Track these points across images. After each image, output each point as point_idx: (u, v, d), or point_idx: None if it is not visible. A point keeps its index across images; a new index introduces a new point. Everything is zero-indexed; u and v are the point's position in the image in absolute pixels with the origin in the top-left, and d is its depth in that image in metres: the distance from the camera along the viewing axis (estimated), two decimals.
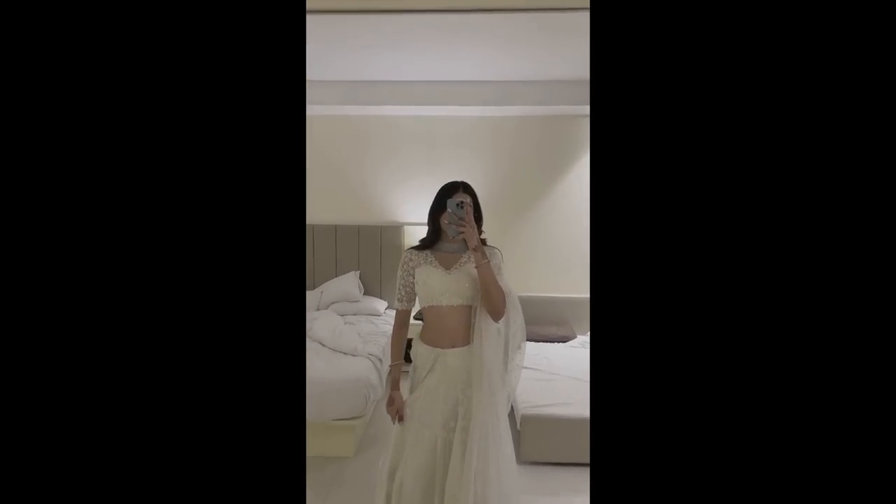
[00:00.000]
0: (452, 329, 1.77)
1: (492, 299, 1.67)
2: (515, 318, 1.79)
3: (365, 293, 4.35)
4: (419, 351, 1.84)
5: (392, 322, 2.16)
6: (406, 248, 1.76)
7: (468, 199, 1.70)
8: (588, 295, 4.26)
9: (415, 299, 1.85)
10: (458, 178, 1.79)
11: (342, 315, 4.05)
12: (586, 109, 4.11)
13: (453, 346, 1.77)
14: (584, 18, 2.54)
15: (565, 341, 3.97)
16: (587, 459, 2.65)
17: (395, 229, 4.42)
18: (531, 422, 2.77)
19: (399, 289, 1.85)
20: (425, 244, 1.82)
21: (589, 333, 4.04)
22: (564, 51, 3.32)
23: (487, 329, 1.75)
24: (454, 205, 1.64)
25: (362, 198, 4.54)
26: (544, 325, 4.11)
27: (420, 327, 1.87)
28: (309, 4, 1.86)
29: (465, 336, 1.77)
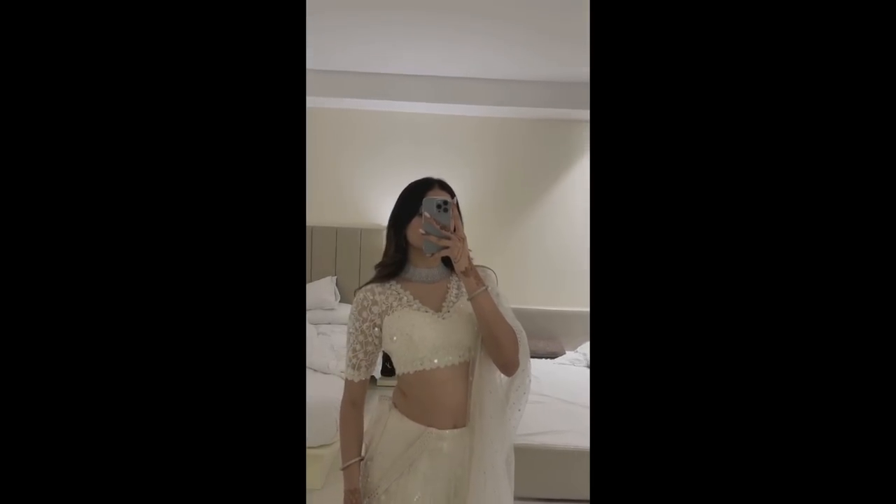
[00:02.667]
0: (455, 400, 1.17)
1: (499, 343, 1.12)
2: (523, 368, 1.22)
3: (341, 300, 4.07)
4: (395, 428, 1.20)
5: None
6: (360, 287, 1.23)
7: (453, 199, 1.14)
8: (579, 308, 4.08)
9: (376, 363, 1.26)
10: (445, 179, 1.21)
11: (315, 324, 3.78)
12: (583, 114, 3.91)
13: (454, 427, 1.18)
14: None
15: (554, 357, 3.76)
16: (585, 495, 2.43)
17: (376, 232, 4.16)
18: (520, 452, 2.44)
19: (353, 349, 1.21)
20: (389, 272, 1.20)
21: (579, 349, 3.84)
22: (563, 48, 3.10)
23: (493, 392, 1.18)
24: (433, 206, 1.09)
25: (340, 197, 4.27)
26: (531, 339, 3.84)
27: (392, 392, 1.27)
28: None
29: (466, 408, 1.19)
